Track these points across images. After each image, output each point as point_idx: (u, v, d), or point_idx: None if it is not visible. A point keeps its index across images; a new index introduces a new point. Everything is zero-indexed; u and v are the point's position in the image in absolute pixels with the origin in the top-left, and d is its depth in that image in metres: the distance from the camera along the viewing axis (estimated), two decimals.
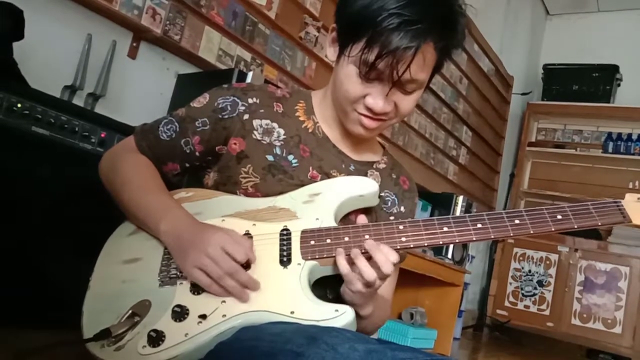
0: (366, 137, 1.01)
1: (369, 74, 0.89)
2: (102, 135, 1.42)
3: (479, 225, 0.89)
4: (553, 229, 0.87)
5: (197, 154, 1.02)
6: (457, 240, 0.89)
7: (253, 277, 0.86)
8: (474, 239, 0.89)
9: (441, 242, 0.89)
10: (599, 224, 0.87)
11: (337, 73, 0.96)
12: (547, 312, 4.37)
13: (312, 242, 0.90)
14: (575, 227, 0.87)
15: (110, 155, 1.08)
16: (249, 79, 1.80)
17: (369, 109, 0.93)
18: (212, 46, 2.20)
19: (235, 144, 0.99)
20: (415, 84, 0.93)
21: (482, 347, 3.92)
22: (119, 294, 0.89)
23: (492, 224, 0.89)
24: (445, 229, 0.89)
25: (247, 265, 0.87)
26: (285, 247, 0.90)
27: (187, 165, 1.05)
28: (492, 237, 0.88)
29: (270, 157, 0.99)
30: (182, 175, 1.07)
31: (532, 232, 0.87)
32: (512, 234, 0.88)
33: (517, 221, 0.88)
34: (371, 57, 0.86)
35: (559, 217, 0.87)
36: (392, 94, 0.92)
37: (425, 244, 0.90)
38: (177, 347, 0.80)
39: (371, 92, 0.92)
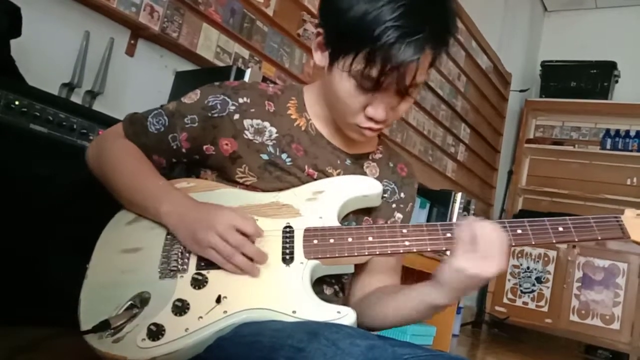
0: (364, 141, 1.02)
1: (373, 88, 0.87)
2: (100, 132, 1.41)
3: None
4: (554, 241, 0.89)
5: (183, 150, 1.01)
6: None
7: (260, 249, 0.87)
8: None
9: (444, 249, 0.89)
10: (599, 238, 0.89)
11: (332, 84, 0.92)
12: (545, 309, 4.37)
13: (315, 242, 0.90)
14: (576, 240, 0.89)
15: (97, 142, 1.07)
16: (246, 77, 1.79)
17: (370, 118, 0.91)
18: (210, 43, 2.20)
19: (226, 144, 0.98)
20: (417, 87, 0.91)
21: (480, 343, 3.92)
22: (117, 284, 0.88)
23: None
24: (449, 235, 0.89)
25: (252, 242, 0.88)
26: (287, 245, 0.90)
27: (174, 160, 1.04)
28: None
29: (264, 156, 0.98)
30: (167, 170, 1.05)
31: (533, 242, 0.89)
32: (513, 244, 0.89)
33: (519, 231, 0.89)
34: (374, 72, 0.84)
35: (561, 229, 0.89)
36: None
37: (428, 249, 0.91)
38: (177, 342, 0.80)
39: (372, 102, 0.90)
